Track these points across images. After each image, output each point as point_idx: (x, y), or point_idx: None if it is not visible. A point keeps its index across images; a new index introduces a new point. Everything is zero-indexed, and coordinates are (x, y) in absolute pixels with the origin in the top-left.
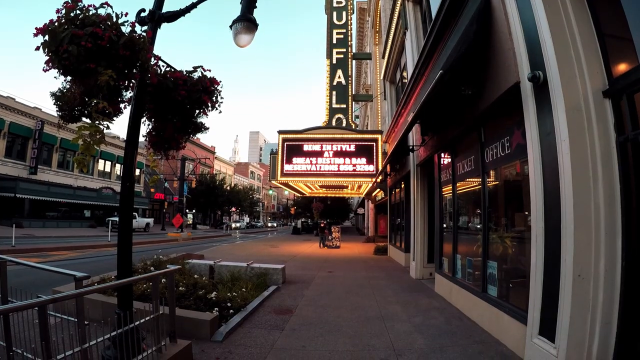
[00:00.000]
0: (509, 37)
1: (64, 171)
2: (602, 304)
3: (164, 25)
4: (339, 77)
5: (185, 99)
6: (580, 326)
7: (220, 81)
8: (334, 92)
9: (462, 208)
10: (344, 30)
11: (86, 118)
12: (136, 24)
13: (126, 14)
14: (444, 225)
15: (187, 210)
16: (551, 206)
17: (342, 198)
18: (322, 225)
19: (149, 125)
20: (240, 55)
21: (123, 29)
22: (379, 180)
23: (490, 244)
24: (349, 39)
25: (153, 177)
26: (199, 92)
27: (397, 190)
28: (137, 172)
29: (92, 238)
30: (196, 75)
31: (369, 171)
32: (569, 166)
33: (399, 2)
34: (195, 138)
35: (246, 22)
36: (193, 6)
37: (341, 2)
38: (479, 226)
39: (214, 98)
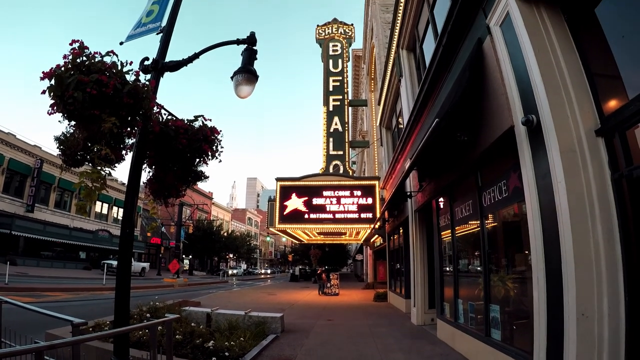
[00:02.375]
0: (502, 82)
1: (61, 211)
2: (608, 342)
3: None
4: (336, 124)
5: (186, 148)
6: None
7: (221, 130)
8: (330, 139)
9: (461, 252)
10: (340, 78)
11: (88, 163)
12: (140, 73)
13: (130, 63)
14: (446, 269)
15: (184, 256)
16: (551, 247)
17: (341, 244)
18: (320, 272)
19: (149, 172)
20: (237, 99)
21: (127, 77)
22: (377, 226)
23: (492, 287)
24: (345, 86)
25: (152, 225)
26: (200, 141)
27: (395, 236)
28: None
29: (86, 280)
30: (197, 124)
31: (367, 217)
32: (567, 207)
33: (393, 50)
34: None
35: (247, 73)
36: (195, 56)
37: (337, 50)
38: (479, 268)
39: (214, 147)
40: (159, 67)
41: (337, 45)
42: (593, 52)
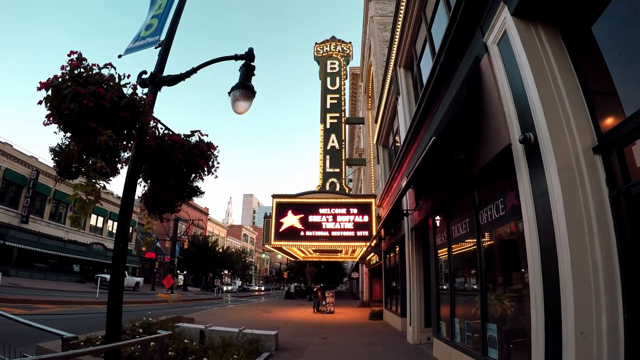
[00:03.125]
0: (499, 100)
1: (56, 223)
2: None
3: None
4: (333, 141)
5: (182, 163)
6: None
7: (217, 146)
8: (327, 157)
9: (458, 270)
10: (338, 96)
11: (83, 176)
12: (137, 86)
13: (128, 76)
14: (442, 287)
15: (178, 272)
16: (549, 265)
17: (336, 262)
18: (315, 289)
19: (144, 186)
20: (234, 115)
21: (125, 90)
22: (373, 244)
23: (489, 305)
24: (343, 104)
25: (146, 239)
26: (196, 156)
27: (391, 254)
28: (129, 229)
29: (79, 294)
30: (194, 139)
31: (363, 235)
32: (564, 225)
33: (390, 68)
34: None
35: (244, 89)
36: (193, 71)
37: (335, 68)
38: (475, 286)
39: (210, 163)
40: (156, 81)
41: (334, 63)
42: (590, 69)
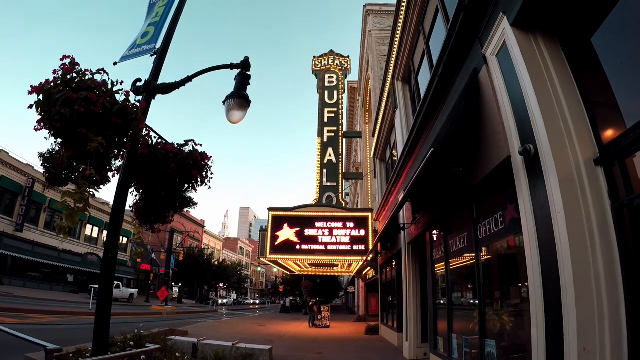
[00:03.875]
0: (498, 112)
1: (50, 232)
2: None
3: None
4: (330, 155)
5: (175, 173)
6: None
7: (211, 156)
8: (324, 170)
9: (455, 285)
10: (335, 109)
11: (73, 183)
12: (131, 93)
13: (121, 82)
14: (440, 302)
15: (173, 284)
16: (550, 279)
17: (332, 276)
18: (311, 303)
19: (136, 196)
20: (231, 128)
21: (117, 97)
22: (369, 258)
23: (487, 321)
24: (340, 118)
25: (137, 250)
26: (189, 166)
27: (388, 268)
28: (125, 240)
29: (72, 304)
30: (187, 149)
31: (359, 249)
32: (566, 237)
33: (388, 82)
34: (185, 211)
35: (239, 98)
36: (188, 79)
37: (333, 82)
38: (472, 301)
39: (204, 173)
40: (150, 88)
41: (332, 77)
42: (590, 80)
